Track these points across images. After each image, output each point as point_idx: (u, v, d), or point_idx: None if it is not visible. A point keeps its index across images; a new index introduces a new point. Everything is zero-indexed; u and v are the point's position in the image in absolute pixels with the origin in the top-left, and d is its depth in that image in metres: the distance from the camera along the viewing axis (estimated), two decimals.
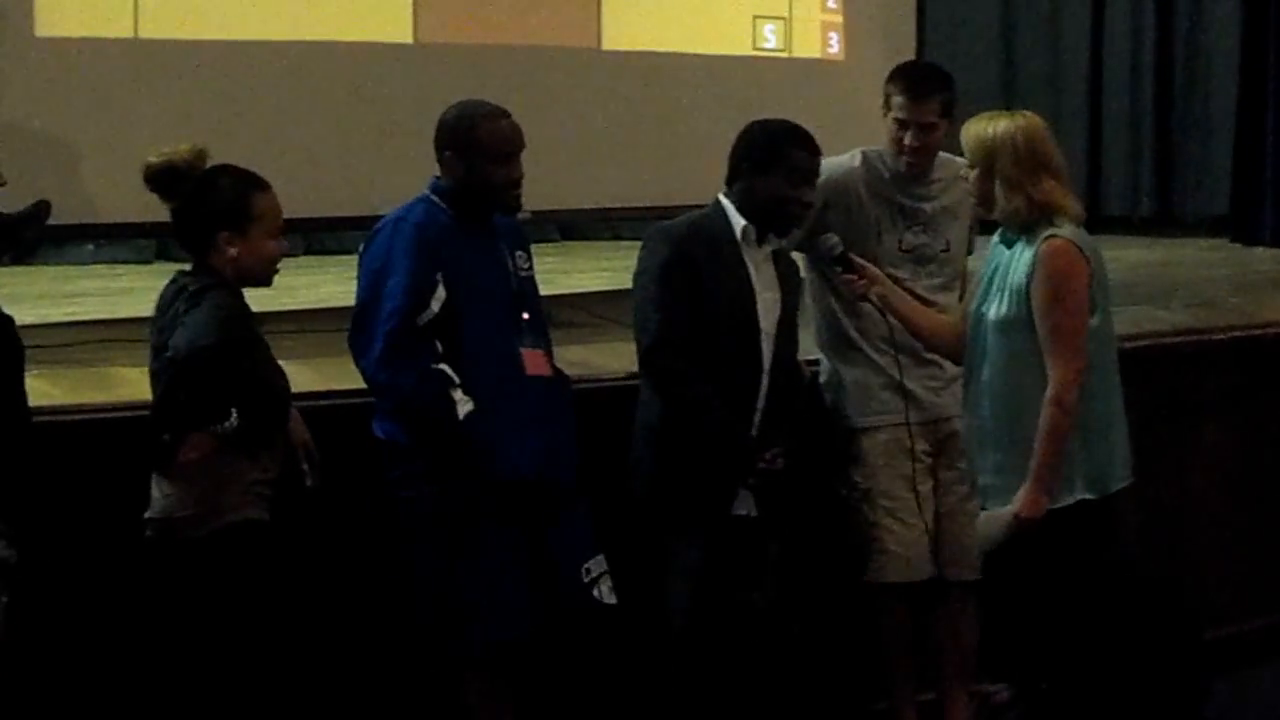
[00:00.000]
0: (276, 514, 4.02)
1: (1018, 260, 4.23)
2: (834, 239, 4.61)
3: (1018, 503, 4.19)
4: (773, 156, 4.50)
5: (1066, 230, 4.21)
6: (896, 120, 4.81)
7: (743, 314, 4.50)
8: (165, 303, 3.99)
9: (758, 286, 4.53)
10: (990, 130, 4.25)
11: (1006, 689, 4.96)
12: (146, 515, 3.97)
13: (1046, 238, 4.19)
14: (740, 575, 4.57)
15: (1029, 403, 4.20)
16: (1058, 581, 4.24)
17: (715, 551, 4.50)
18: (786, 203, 4.51)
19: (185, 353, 3.81)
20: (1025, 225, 4.22)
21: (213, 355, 3.80)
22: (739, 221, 4.52)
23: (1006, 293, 4.24)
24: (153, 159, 4.00)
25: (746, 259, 4.53)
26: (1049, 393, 4.16)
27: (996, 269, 4.30)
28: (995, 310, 4.26)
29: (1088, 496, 4.23)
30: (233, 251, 3.98)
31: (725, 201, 4.56)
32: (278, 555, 3.98)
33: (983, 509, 4.34)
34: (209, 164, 4.03)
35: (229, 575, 3.89)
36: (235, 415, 3.85)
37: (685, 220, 4.58)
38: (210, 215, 3.99)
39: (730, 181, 4.57)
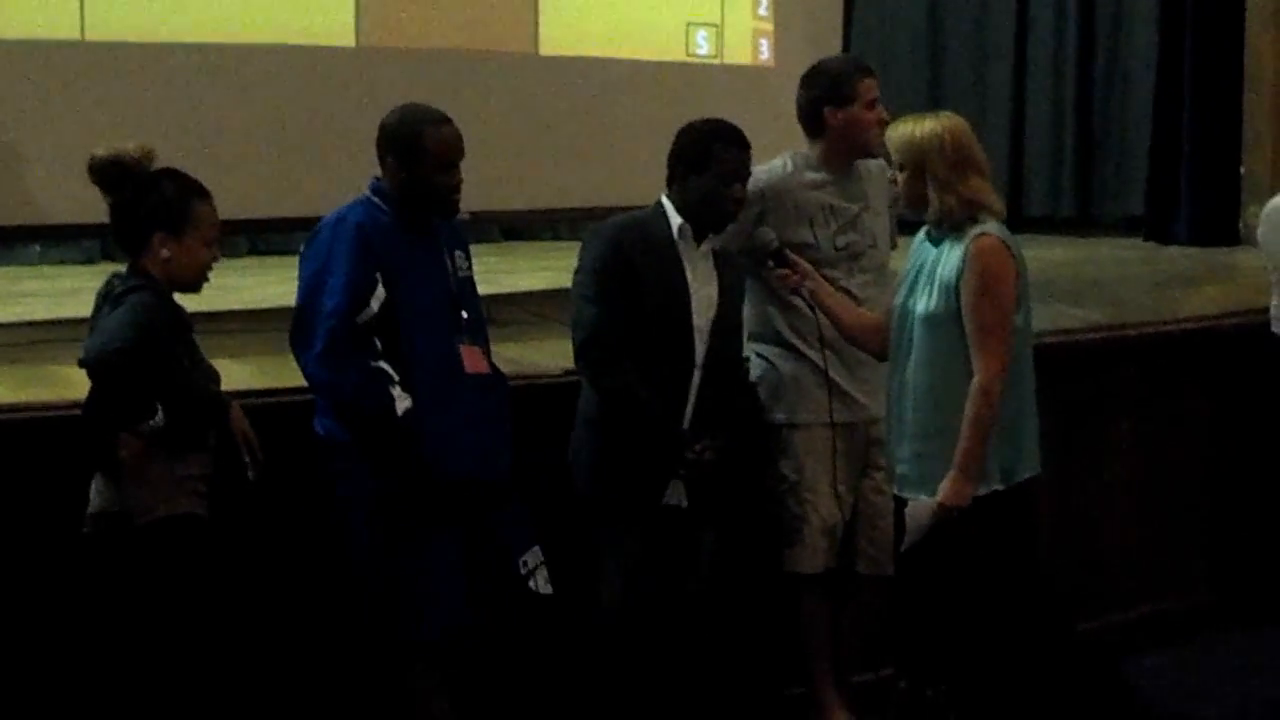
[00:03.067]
0: (215, 508, 4.04)
1: (946, 257, 4.30)
2: (770, 234, 4.72)
3: (942, 492, 4.28)
4: (703, 156, 4.60)
5: (993, 228, 4.29)
6: (871, 101, 4.93)
7: (677, 310, 4.60)
8: (96, 304, 4.02)
9: (693, 284, 4.63)
10: (918, 131, 4.33)
11: None
12: (88, 511, 4.00)
13: (977, 235, 4.26)
14: (672, 563, 4.67)
15: (951, 395, 4.28)
16: (965, 570, 4.33)
17: (648, 540, 4.61)
18: (719, 200, 4.62)
19: (94, 356, 3.84)
20: (955, 224, 4.30)
21: (121, 359, 3.81)
22: (676, 220, 4.63)
23: (935, 288, 4.31)
24: (100, 152, 4.03)
25: (683, 257, 4.63)
26: (975, 384, 4.23)
27: (922, 265, 4.37)
28: (923, 305, 4.33)
29: (998, 487, 4.33)
30: (166, 254, 4.01)
31: (665, 202, 4.67)
32: (215, 548, 4.00)
33: (897, 498, 4.44)
34: (156, 166, 4.06)
35: (165, 568, 3.92)
36: (160, 414, 3.88)
37: (624, 219, 4.68)
38: (148, 215, 4.02)
39: (670, 182, 4.68)
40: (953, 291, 4.29)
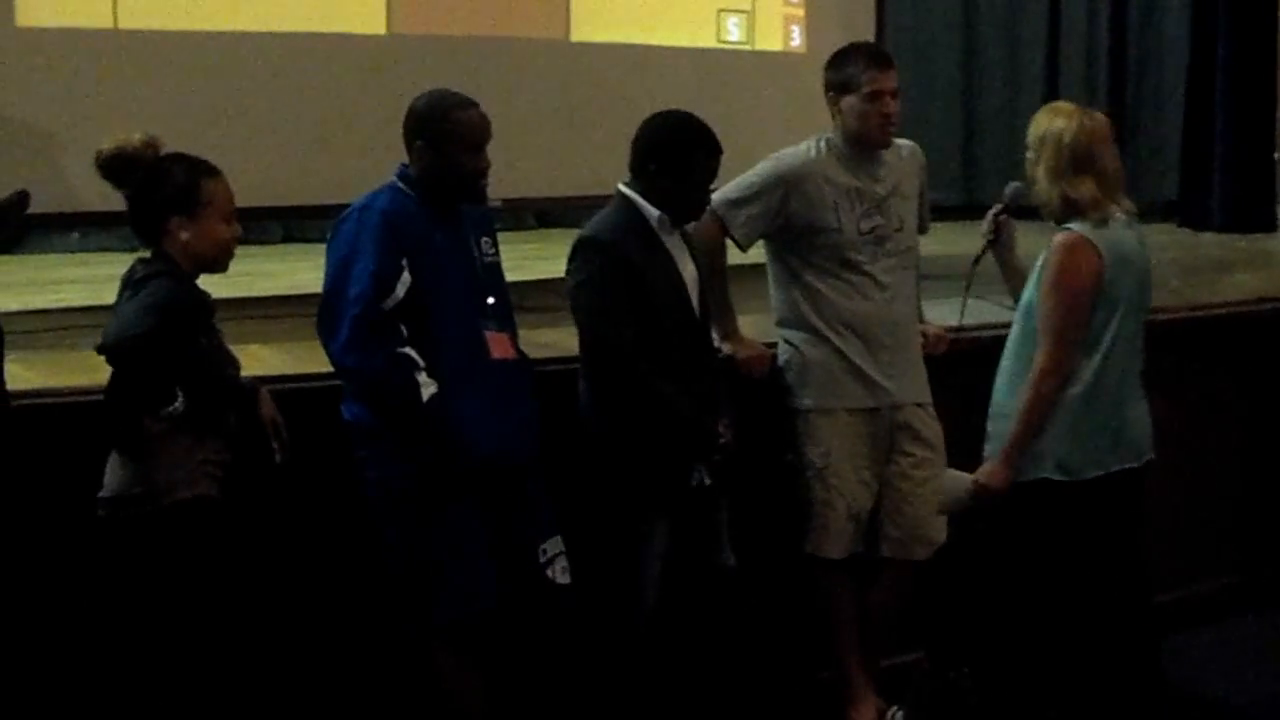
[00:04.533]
0: (238, 491, 4.04)
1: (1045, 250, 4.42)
2: (1020, 186, 4.67)
3: (981, 470, 4.39)
4: (682, 163, 4.54)
5: (1085, 227, 4.36)
6: (871, 94, 4.88)
7: (679, 298, 4.60)
8: (120, 289, 4.03)
9: (681, 269, 4.63)
10: (1047, 122, 4.43)
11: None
12: (100, 495, 4.01)
13: (1061, 231, 4.37)
14: (703, 541, 4.70)
15: (1020, 382, 4.40)
16: (1019, 554, 4.42)
17: (679, 523, 4.62)
18: (694, 203, 4.62)
19: (112, 342, 3.84)
20: (1058, 218, 4.40)
21: (139, 344, 3.81)
22: (653, 212, 4.57)
23: (1033, 278, 4.44)
24: (104, 147, 4.01)
25: (667, 245, 4.61)
26: (1030, 375, 4.35)
27: None
28: (1025, 295, 4.47)
29: (1055, 477, 4.40)
30: (185, 236, 4.00)
31: (629, 193, 4.60)
32: (231, 530, 4.00)
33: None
34: (162, 152, 4.04)
35: (181, 551, 3.92)
36: (181, 400, 3.89)
37: (607, 223, 4.59)
38: (161, 201, 4.00)
39: (633, 171, 4.61)
40: (1037, 283, 4.40)
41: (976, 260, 4.77)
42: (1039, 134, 4.42)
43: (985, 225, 4.75)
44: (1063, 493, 4.41)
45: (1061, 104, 4.55)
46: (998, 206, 4.75)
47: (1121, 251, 4.42)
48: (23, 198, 5.24)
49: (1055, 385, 4.35)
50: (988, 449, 4.52)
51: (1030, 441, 4.38)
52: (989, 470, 4.43)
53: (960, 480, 4.50)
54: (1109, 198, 4.42)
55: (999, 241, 4.73)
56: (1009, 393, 4.46)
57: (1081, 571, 4.47)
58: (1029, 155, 4.46)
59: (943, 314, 5.29)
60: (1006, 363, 4.51)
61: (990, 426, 4.52)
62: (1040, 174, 4.41)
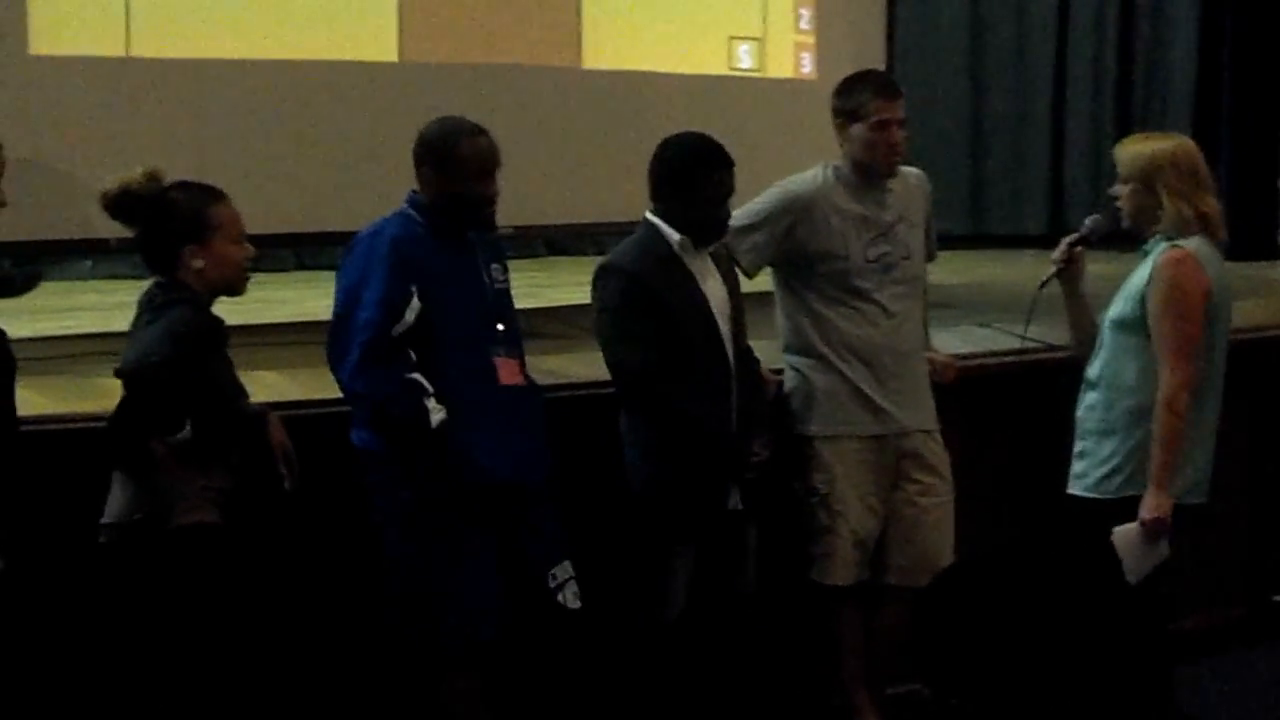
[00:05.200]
0: (244, 517, 4.05)
1: (1141, 267, 4.42)
2: (1101, 219, 4.75)
3: (1144, 508, 4.36)
4: (690, 181, 4.58)
5: (1193, 244, 4.37)
6: (878, 123, 4.87)
7: (703, 323, 4.61)
8: (137, 313, 4.05)
9: (707, 291, 4.64)
10: (1150, 148, 4.46)
11: None
12: (102, 521, 4.02)
13: (1168, 248, 4.36)
14: (728, 565, 4.70)
15: (1116, 401, 4.41)
16: (1080, 576, 4.43)
17: (707, 546, 4.63)
18: (709, 221, 4.62)
19: (131, 368, 3.86)
20: (1184, 235, 4.38)
21: (158, 371, 3.83)
22: (674, 236, 4.61)
23: (1125, 295, 4.43)
24: (108, 187, 4.03)
25: (690, 268, 4.63)
26: (1160, 397, 4.32)
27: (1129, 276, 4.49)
28: (1114, 310, 4.46)
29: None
30: (199, 264, 4.02)
31: (654, 219, 4.65)
32: (235, 556, 4.01)
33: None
34: (165, 183, 4.06)
35: (183, 576, 3.93)
36: (188, 428, 3.91)
37: (628, 250, 4.64)
38: (172, 233, 4.02)
39: (654, 199, 4.66)
40: (1139, 299, 4.39)
41: (1043, 284, 4.79)
42: (1143, 159, 4.44)
43: (1058, 253, 4.76)
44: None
45: (1143, 134, 4.61)
46: (1074, 236, 4.77)
47: (1220, 273, 4.44)
48: (32, 276, 5.25)
49: (1186, 402, 4.32)
50: (1078, 467, 4.51)
51: (1177, 462, 4.36)
52: (1150, 504, 4.36)
53: (1128, 534, 4.39)
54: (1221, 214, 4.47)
55: (1069, 271, 4.74)
56: (1103, 410, 4.46)
57: (1120, 596, 4.46)
58: (1130, 185, 4.46)
59: (950, 342, 5.30)
60: (1100, 379, 4.48)
61: (1079, 444, 4.51)
62: (1163, 196, 4.39)
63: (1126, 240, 4.61)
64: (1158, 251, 4.40)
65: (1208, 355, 4.42)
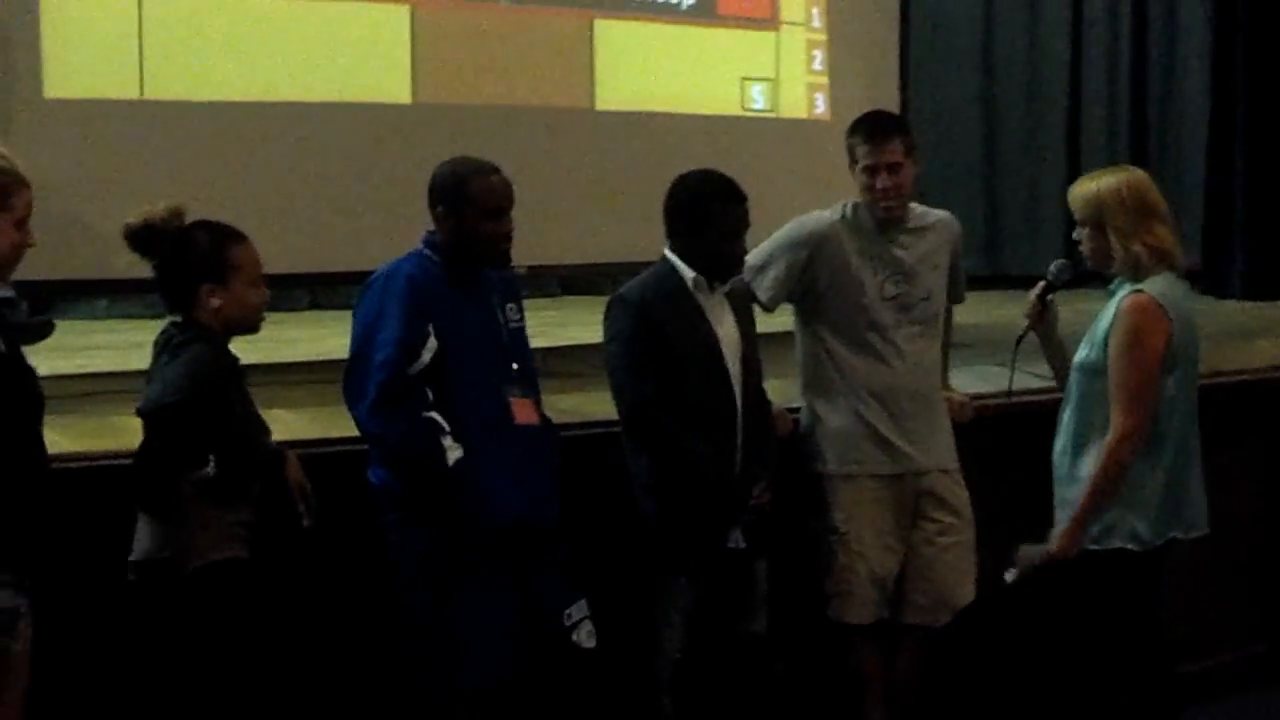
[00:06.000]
0: (265, 553, 4.07)
1: (1106, 309, 4.39)
2: (1066, 264, 4.71)
3: (1053, 539, 4.35)
4: (702, 217, 4.61)
5: (1158, 286, 4.33)
6: (866, 169, 4.90)
7: (710, 360, 4.63)
8: (155, 353, 4.07)
9: (718, 330, 4.66)
10: (1095, 186, 4.41)
11: None
12: (130, 559, 4.04)
13: (1130, 293, 4.33)
14: (733, 607, 4.70)
15: (1090, 444, 4.36)
16: (1077, 623, 4.40)
17: (709, 586, 4.63)
18: (723, 256, 4.64)
19: (151, 407, 3.89)
20: (1144, 273, 4.35)
21: (178, 410, 3.86)
22: (688, 273, 4.64)
23: (1090, 339, 4.41)
24: (131, 220, 4.06)
25: (703, 306, 4.65)
26: (1107, 440, 4.30)
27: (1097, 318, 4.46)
28: (1080, 354, 4.43)
29: (1127, 547, 4.37)
30: (216, 303, 4.05)
31: (671, 256, 4.68)
32: (261, 591, 4.02)
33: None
34: (187, 220, 4.08)
35: (212, 613, 3.94)
36: (212, 464, 3.92)
37: (640, 283, 4.68)
38: (191, 270, 4.05)
39: (670, 236, 4.69)
40: (1102, 344, 4.36)
41: (1019, 340, 4.75)
42: (1090, 200, 4.40)
43: (1029, 307, 4.72)
44: (1135, 563, 4.38)
45: (1093, 173, 4.54)
46: (1042, 285, 4.71)
47: (1184, 313, 4.41)
48: (45, 325, 5.27)
49: (1132, 450, 4.30)
50: (1059, 515, 4.46)
51: (1104, 508, 4.33)
52: (1060, 540, 4.36)
53: (1032, 552, 4.42)
54: (1178, 243, 4.43)
55: (1043, 320, 4.70)
56: (1070, 454, 4.43)
57: (1118, 640, 4.45)
58: (1083, 230, 4.44)
59: (968, 382, 5.28)
60: (1069, 424, 4.46)
61: (1059, 492, 4.46)
62: (1111, 238, 4.37)
63: (1098, 279, 4.57)
64: (1121, 294, 4.37)
65: (1176, 393, 4.39)
